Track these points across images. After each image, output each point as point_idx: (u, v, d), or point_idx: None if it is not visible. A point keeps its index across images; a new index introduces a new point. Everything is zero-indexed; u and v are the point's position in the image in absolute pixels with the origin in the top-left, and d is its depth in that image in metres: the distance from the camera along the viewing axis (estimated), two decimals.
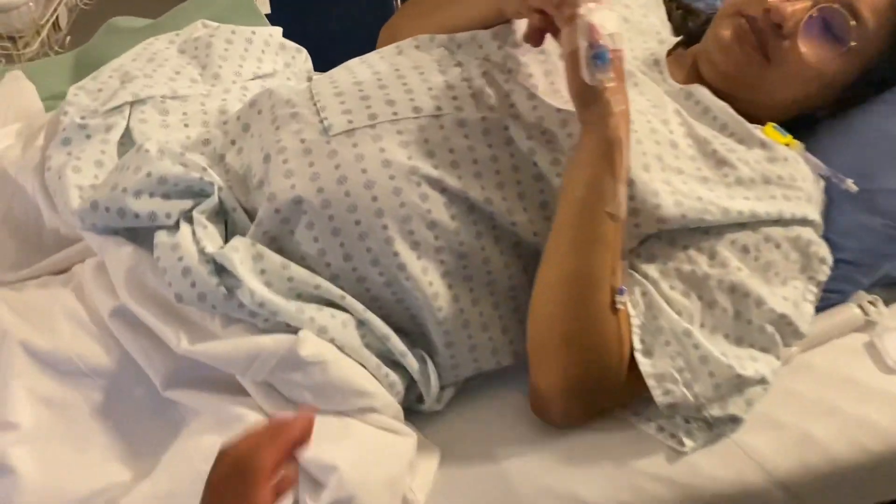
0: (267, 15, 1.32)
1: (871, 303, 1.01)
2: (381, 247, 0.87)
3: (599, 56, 0.81)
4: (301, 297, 0.86)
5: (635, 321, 0.88)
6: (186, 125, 1.01)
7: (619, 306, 0.86)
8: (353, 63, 1.02)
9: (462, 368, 0.93)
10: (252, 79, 1.11)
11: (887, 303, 1.03)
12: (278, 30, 1.21)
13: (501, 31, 0.99)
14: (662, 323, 0.88)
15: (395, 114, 0.90)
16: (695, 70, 1.05)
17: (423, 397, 0.92)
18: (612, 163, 0.84)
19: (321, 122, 0.90)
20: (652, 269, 0.91)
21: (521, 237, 0.92)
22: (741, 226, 0.92)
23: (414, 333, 0.92)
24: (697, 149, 0.95)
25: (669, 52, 1.06)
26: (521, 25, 0.99)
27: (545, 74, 0.96)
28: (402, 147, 0.89)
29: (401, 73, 0.95)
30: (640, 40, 1.06)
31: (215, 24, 1.18)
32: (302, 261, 0.87)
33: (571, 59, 0.83)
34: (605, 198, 0.84)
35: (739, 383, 0.88)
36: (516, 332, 0.94)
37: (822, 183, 1.00)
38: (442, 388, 0.93)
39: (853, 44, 0.97)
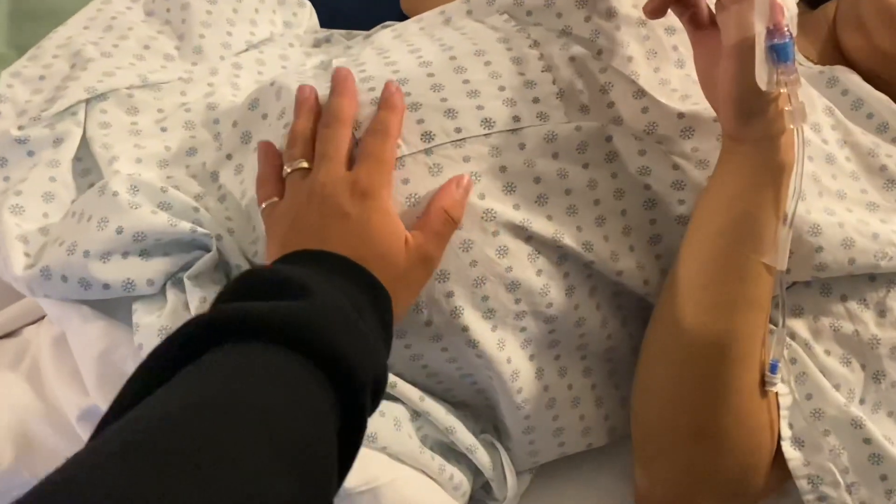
0: None
1: None
2: (444, 320, 0.64)
3: (781, 50, 0.57)
4: None
5: (784, 400, 0.66)
6: (164, 129, 0.75)
7: (771, 388, 0.64)
8: (385, 38, 0.76)
9: (543, 455, 0.72)
10: (245, 50, 0.85)
11: None
12: None
13: None
14: (821, 405, 0.66)
15: (458, 131, 0.65)
16: (832, 44, 0.80)
17: (492, 489, 0.71)
18: (777, 197, 0.61)
19: (356, 144, 0.65)
20: (800, 327, 0.69)
21: (625, 287, 0.69)
22: None
23: (477, 405, 0.71)
24: (859, 163, 0.71)
25: None
26: None
27: (647, 57, 0.70)
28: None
29: (458, 63, 0.68)
30: None
31: None
32: None
33: (740, 51, 0.58)
34: (763, 244, 0.62)
35: None
36: (612, 404, 0.73)
37: None
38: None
39: None
